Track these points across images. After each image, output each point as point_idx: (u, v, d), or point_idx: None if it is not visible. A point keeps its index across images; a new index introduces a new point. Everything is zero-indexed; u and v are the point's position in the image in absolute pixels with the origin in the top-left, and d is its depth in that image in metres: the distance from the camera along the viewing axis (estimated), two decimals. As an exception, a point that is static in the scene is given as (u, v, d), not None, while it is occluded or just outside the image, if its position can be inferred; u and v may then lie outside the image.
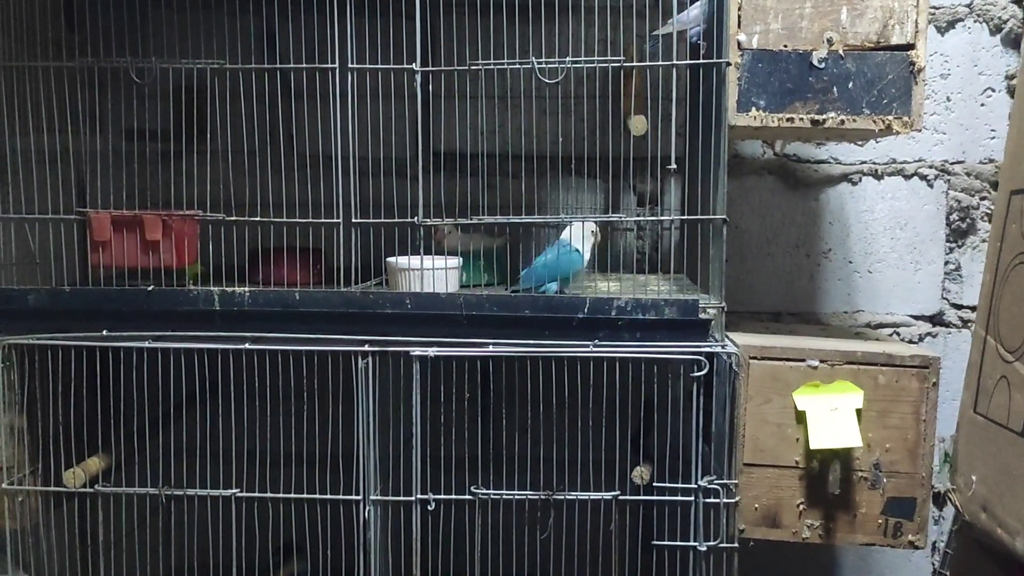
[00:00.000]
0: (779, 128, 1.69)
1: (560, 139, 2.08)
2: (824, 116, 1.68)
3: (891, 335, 2.33)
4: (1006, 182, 1.34)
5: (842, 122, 1.68)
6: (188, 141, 1.96)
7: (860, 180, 2.33)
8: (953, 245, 2.34)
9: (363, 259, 1.74)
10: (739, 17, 1.67)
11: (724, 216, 1.65)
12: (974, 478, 1.24)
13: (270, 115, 1.72)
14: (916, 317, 2.36)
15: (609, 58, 1.65)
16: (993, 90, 2.29)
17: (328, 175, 1.68)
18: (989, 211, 2.32)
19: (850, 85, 1.67)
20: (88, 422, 1.79)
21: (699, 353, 1.63)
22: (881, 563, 2.41)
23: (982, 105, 2.30)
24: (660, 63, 1.65)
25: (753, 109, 1.68)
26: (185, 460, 1.80)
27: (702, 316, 1.66)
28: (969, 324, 2.35)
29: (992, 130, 2.30)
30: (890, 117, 1.67)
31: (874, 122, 1.68)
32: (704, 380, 1.65)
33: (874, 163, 2.32)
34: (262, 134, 1.77)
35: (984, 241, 2.33)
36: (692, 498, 1.67)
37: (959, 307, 2.35)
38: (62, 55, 1.73)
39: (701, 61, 1.63)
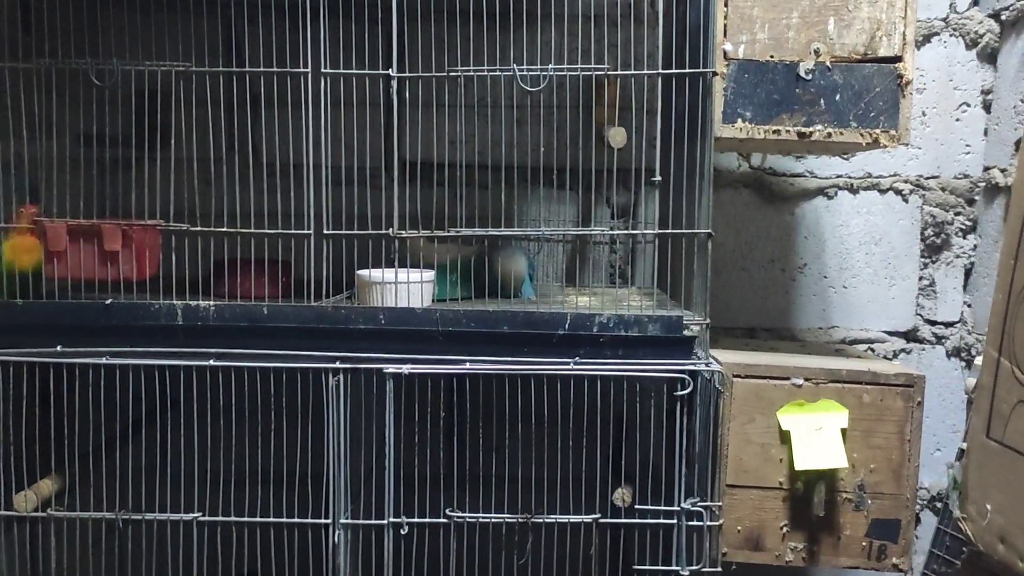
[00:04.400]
0: (765, 140, 1.65)
1: (541, 149, 2.03)
2: (811, 129, 1.64)
3: (866, 351, 2.31)
4: (1021, 198, 1.31)
5: (829, 135, 1.65)
6: (149, 148, 1.87)
7: (836, 194, 2.30)
8: (927, 260, 2.32)
9: (331, 272, 1.67)
10: (725, 26, 1.64)
11: (709, 230, 1.60)
12: (989, 507, 1.20)
13: (233, 122, 1.65)
14: (890, 333, 2.34)
15: (593, 66, 1.59)
16: (968, 105, 2.28)
17: (295, 184, 1.61)
18: (964, 226, 2.30)
19: (837, 97, 1.64)
20: (40, 442, 1.70)
21: (684, 371, 1.58)
22: (855, 582, 2.39)
23: (957, 120, 2.29)
24: (645, 72, 1.60)
25: (739, 121, 1.64)
26: (144, 482, 1.71)
27: (686, 333, 1.61)
28: (943, 340, 2.33)
29: (967, 145, 2.29)
30: (877, 130, 1.64)
31: (861, 135, 1.65)
32: (687, 399, 1.60)
33: (850, 177, 2.30)
34: (225, 141, 1.70)
35: (958, 256, 2.31)
36: (675, 521, 1.62)
37: (933, 323, 2.33)
38: (17, 56, 1.64)
39: (687, 71, 1.59)
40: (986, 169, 2.26)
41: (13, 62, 1.63)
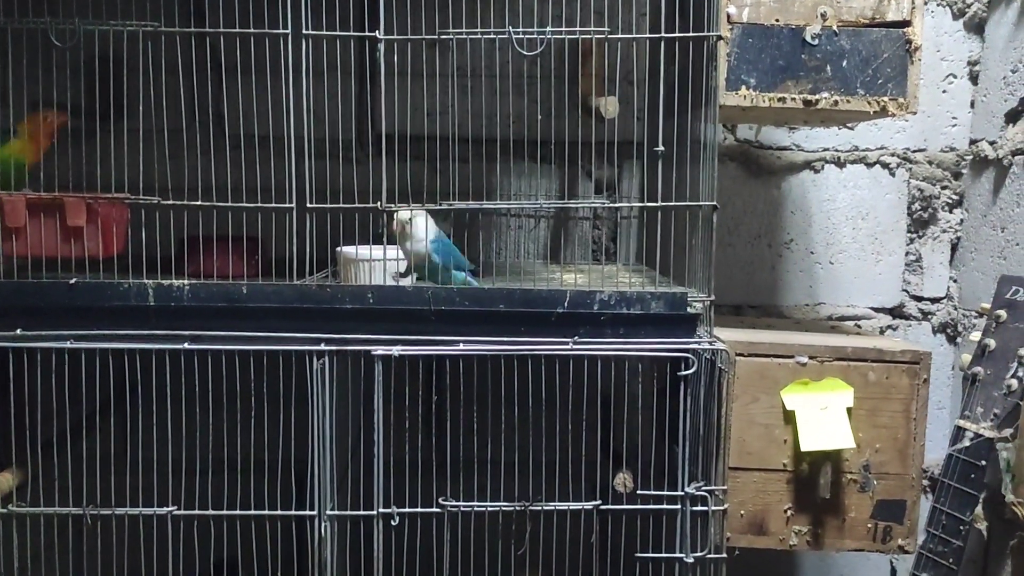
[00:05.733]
0: (769, 109, 1.59)
1: (529, 120, 1.94)
2: (817, 96, 1.58)
3: (853, 328, 2.26)
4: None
5: (836, 103, 1.58)
6: (106, 118, 1.75)
7: (823, 168, 2.25)
8: (914, 235, 2.28)
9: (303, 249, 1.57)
10: (729, -12, 1.56)
11: (714, 202, 1.53)
12: (1050, 491, 1.16)
13: (198, 89, 1.54)
14: (876, 309, 2.30)
15: (593, 28, 1.51)
16: (955, 76, 2.24)
17: (270, 156, 1.51)
18: (950, 200, 2.26)
19: (844, 63, 1.57)
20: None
21: (689, 350, 1.51)
22: (840, 563, 2.35)
23: (944, 92, 2.24)
24: (648, 35, 1.52)
25: (743, 88, 1.57)
26: (113, 474, 1.60)
27: (689, 311, 1.54)
28: (929, 316, 2.30)
29: (954, 117, 2.25)
30: (885, 98, 1.59)
31: (868, 103, 1.59)
32: (689, 379, 1.53)
33: (837, 150, 2.24)
34: (189, 110, 1.58)
35: (944, 232, 2.27)
36: (678, 506, 1.55)
37: (919, 299, 2.30)
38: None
39: (691, 34, 1.51)
40: (973, 142, 2.22)
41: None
